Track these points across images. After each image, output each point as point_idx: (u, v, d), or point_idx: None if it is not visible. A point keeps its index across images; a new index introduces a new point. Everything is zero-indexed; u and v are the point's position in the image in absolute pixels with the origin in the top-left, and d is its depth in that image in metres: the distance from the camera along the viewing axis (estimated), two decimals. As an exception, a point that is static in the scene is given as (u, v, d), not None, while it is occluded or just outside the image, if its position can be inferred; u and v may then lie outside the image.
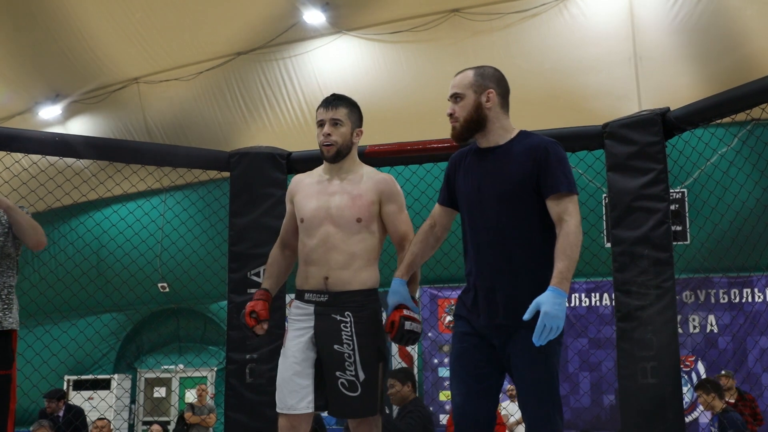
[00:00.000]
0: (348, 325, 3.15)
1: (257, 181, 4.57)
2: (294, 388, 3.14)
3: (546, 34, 10.20)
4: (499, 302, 2.82)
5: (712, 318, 10.60)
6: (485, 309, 2.85)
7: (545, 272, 2.74)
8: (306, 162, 4.78)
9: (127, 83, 12.19)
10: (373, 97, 11.03)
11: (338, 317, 3.15)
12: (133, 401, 13.23)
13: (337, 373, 3.12)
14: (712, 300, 10.64)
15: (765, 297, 10.45)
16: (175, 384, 13.05)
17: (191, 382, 12.20)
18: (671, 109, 4.11)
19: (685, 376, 10.36)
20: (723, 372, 9.10)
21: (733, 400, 8.85)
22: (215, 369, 12.67)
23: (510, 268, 2.82)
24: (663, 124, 4.05)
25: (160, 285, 12.21)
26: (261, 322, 3.26)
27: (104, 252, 8.44)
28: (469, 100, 2.93)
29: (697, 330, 10.64)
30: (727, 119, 4.06)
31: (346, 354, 3.13)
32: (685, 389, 9.94)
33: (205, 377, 12.67)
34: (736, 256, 6.53)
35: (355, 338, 3.14)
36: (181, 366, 12.82)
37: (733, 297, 10.59)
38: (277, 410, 3.20)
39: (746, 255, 6.08)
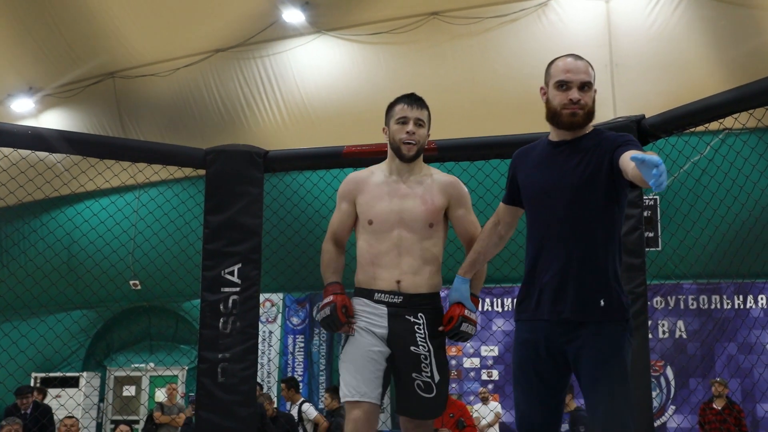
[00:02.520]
0: (421, 327, 3.12)
1: (233, 179, 4.54)
2: (369, 377, 3.06)
3: (524, 39, 10.27)
4: (566, 297, 2.72)
5: (681, 324, 10.72)
6: (550, 305, 2.75)
7: (613, 267, 2.73)
8: (283, 161, 4.77)
9: (102, 77, 12.08)
10: (351, 97, 11.04)
11: (412, 318, 3.12)
12: (101, 400, 13.10)
13: (414, 375, 3.10)
14: (682, 306, 10.77)
15: (733, 304, 10.59)
16: (145, 382, 12.94)
17: (162, 381, 12.10)
18: (646, 116, 4.15)
19: (654, 381, 10.47)
20: (718, 379, 9.22)
21: (719, 407, 8.97)
22: (186, 368, 12.59)
23: (578, 262, 2.73)
24: (638, 131, 4.09)
25: (132, 282, 12.10)
26: (350, 318, 3.14)
27: (75, 248, 8.36)
28: (593, 92, 2.86)
29: (666, 335, 10.76)
30: (700, 128, 4.11)
31: (422, 356, 3.11)
32: (654, 394, 10.03)
33: (176, 376, 12.58)
34: (706, 263, 6.61)
35: (428, 340, 3.12)
36: (152, 364, 12.72)
37: (702, 303, 10.72)
38: (348, 399, 3.08)
39: (716, 262, 6.17)
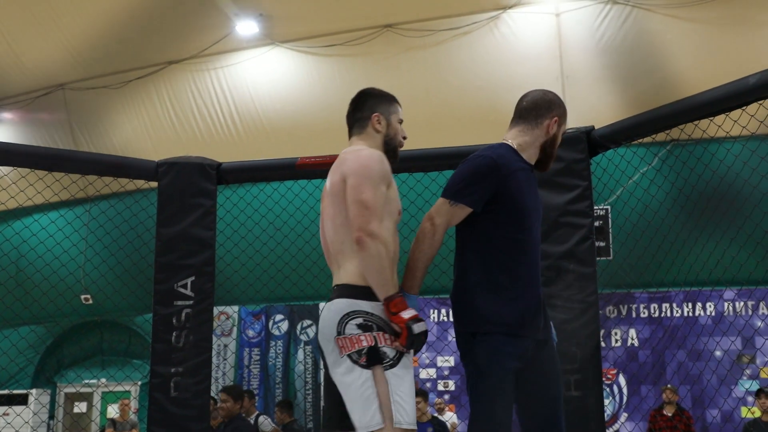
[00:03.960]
0: None
1: (186, 192, 4.50)
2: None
3: (476, 51, 10.38)
4: (542, 315, 3.00)
5: (633, 332, 10.90)
6: (542, 322, 3.01)
7: None
8: (237, 173, 4.75)
9: (52, 89, 11.87)
10: (305, 109, 11.03)
11: None
12: (51, 417, 12.81)
13: None
14: (633, 314, 10.95)
15: (682, 312, 10.80)
16: (96, 399, 12.69)
17: (113, 397, 11.89)
18: (596, 127, 4.23)
19: (607, 389, 10.61)
20: (668, 386, 9.38)
21: (670, 414, 9.13)
22: (139, 383, 12.38)
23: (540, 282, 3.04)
24: (588, 142, 4.16)
25: (83, 297, 11.88)
26: None
27: (23, 262, 8.18)
28: None
29: (618, 344, 10.92)
30: (648, 139, 4.20)
31: None
32: (606, 401, 10.17)
33: (129, 391, 12.36)
34: (655, 271, 6.73)
35: None
36: (104, 380, 12.48)
37: (652, 312, 10.92)
38: (403, 426, 2.70)
39: (665, 271, 6.28)
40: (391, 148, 3.04)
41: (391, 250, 2.80)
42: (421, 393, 8.33)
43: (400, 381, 2.71)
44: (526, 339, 2.92)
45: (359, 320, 2.74)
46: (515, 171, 2.97)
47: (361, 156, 2.89)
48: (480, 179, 2.92)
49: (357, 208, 2.76)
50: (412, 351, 2.77)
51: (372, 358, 2.71)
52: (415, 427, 2.73)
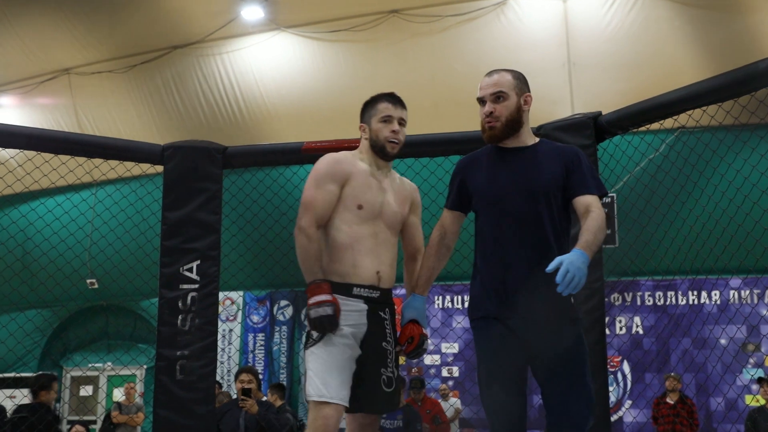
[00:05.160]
0: (389, 322, 3.14)
1: (192, 176, 4.50)
2: (345, 380, 2.99)
3: (483, 38, 10.34)
4: (513, 296, 2.83)
5: (637, 319, 10.90)
6: (505, 302, 2.85)
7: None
8: (243, 157, 4.74)
9: (57, 74, 11.87)
10: (310, 94, 11.02)
11: (383, 314, 3.12)
12: (58, 400, 12.88)
13: (381, 370, 3.07)
14: (638, 302, 10.94)
15: (688, 300, 10.80)
16: (102, 382, 12.76)
17: (119, 380, 11.94)
18: (603, 113, 4.21)
19: (611, 376, 10.63)
20: (672, 374, 9.38)
21: (672, 402, 9.14)
22: (145, 367, 12.44)
23: (533, 261, 2.83)
24: (595, 128, 4.15)
25: (88, 281, 11.92)
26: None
27: (30, 245, 8.20)
28: (512, 101, 2.97)
29: (623, 331, 10.93)
30: (656, 125, 4.18)
31: (388, 351, 3.11)
32: (611, 388, 10.19)
33: (134, 375, 12.43)
34: (661, 259, 6.72)
35: (392, 335, 3.15)
36: (110, 364, 12.55)
37: (658, 299, 10.91)
38: (324, 399, 2.93)
39: (671, 259, 6.27)
40: (377, 148, 3.19)
41: (340, 240, 3.08)
42: None
43: (315, 358, 2.99)
44: (488, 320, 2.88)
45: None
46: (478, 158, 3.08)
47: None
48: (451, 181, 3.15)
49: (300, 205, 3.13)
50: (343, 330, 2.99)
51: (307, 341, 3.06)
52: (331, 401, 2.92)
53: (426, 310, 3.20)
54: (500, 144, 3.01)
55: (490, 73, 3.03)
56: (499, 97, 2.97)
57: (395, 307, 3.23)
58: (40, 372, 10.06)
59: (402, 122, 3.21)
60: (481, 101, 3.01)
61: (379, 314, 3.10)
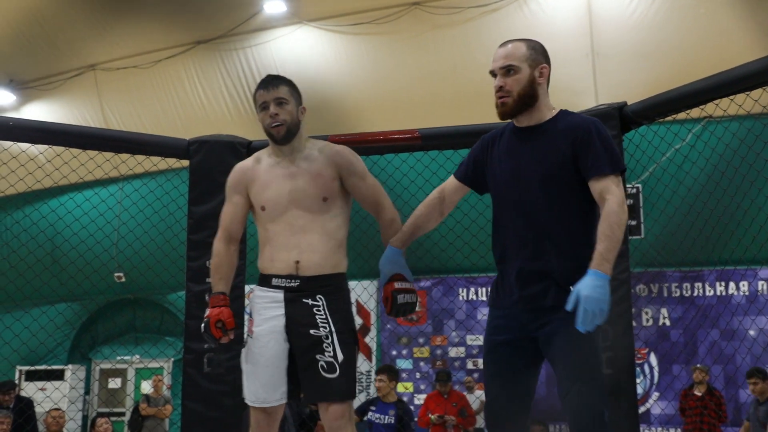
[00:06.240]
0: (321, 308, 3.07)
1: (217, 170, 4.52)
2: (267, 381, 3.07)
3: (505, 29, 10.26)
4: (534, 285, 2.71)
5: (664, 311, 10.81)
6: (518, 292, 2.74)
7: (584, 253, 2.65)
8: (267, 151, 4.77)
9: (83, 70, 11.98)
10: (333, 88, 11.02)
11: (310, 302, 3.08)
12: (87, 392, 13.05)
13: (317, 356, 3.03)
14: (665, 293, 10.86)
15: (715, 291, 10.70)
16: (131, 374, 12.91)
17: (147, 373, 12.07)
18: (628, 104, 4.18)
19: (638, 368, 10.56)
20: (699, 366, 9.30)
21: (700, 393, 9.07)
22: (172, 359, 12.56)
23: (546, 249, 2.71)
24: (620, 119, 4.12)
25: (116, 275, 12.04)
26: (228, 332, 3.13)
27: (59, 239, 8.31)
28: (524, 74, 2.79)
29: (650, 323, 10.85)
30: (682, 115, 4.14)
31: (323, 336, 3.05)
32: (638, 380, 10.12)
33: (162, 368, 12.55)
34: (688, 250, 6.66)
35: (330, 320, 3.07)
36: (138, 356, 12.68)
37: (685, 291, 10.82)
38: (249, 403, 3.14)
39: (698, 249, 6.22)
40: (269, 137, 3.23)
41: (261, 238, 3.23)
42: (385, 369, 7.68)
43: (241, 362, 3.21)
44: (498, 310, 2.83)
45: None
46: (498, 136, 2.94)
47: None
48: (470, 152, 3.06)
49: None
50: (255, 332, 3.15)
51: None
52: (251, 404, 3.13)
53: (402, 261, 3.04)
54: (516, 121, 2.86)
55: (504, 44, 2.87)
56: (509, 70, 2.79)
57: (344, 293, 3.17)
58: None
59: (280, 101, 3.16)
60: (493, 74, 2.85)
61: (303, 302, 3.08)
